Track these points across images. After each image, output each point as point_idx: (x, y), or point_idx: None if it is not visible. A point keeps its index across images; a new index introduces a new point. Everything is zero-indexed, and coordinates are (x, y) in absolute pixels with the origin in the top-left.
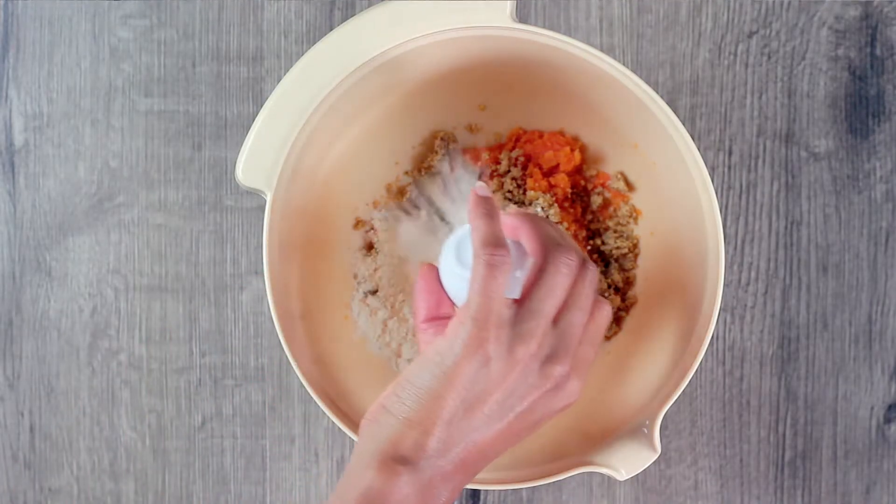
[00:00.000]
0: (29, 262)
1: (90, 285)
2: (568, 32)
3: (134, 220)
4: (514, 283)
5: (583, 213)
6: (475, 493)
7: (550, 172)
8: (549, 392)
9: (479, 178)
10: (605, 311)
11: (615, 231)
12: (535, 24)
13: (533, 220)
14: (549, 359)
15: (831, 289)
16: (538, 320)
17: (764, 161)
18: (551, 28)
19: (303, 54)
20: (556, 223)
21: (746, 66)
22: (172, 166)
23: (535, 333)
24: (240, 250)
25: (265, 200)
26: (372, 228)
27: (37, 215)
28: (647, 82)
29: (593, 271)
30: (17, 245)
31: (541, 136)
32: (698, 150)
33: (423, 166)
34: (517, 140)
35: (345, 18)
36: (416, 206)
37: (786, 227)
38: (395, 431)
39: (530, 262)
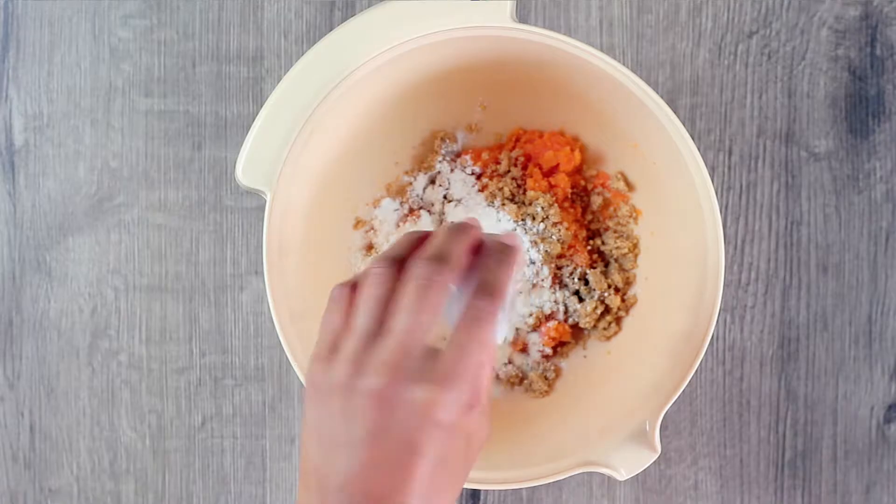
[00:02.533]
0: (29, 262)
1: (90, 285)
2: (568, 32)
3: (134, 220)
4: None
5: (583, 213)
6: (475, 494)
7: (550, 172)
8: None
9: (479, 176)
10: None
11: (615, 231)
12: (535, 24)
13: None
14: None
15: (831, 289)
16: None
17: (764, 161)
18: (551, 28)
19: (303, 54)
20: (557, 223)
21: (746, 66)
22: (172, 166)
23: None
24: (240, 250)
25: (265, 200)
26: (372, 228)
27: (37, 215)
28: (647, 82)
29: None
30: (17, 245)
31: (541, 136)
32: (698, 150)
33: (423, 166)
34: (517, 140)
35: (345, 18)
36: (416, 207)
37: (786, 227)
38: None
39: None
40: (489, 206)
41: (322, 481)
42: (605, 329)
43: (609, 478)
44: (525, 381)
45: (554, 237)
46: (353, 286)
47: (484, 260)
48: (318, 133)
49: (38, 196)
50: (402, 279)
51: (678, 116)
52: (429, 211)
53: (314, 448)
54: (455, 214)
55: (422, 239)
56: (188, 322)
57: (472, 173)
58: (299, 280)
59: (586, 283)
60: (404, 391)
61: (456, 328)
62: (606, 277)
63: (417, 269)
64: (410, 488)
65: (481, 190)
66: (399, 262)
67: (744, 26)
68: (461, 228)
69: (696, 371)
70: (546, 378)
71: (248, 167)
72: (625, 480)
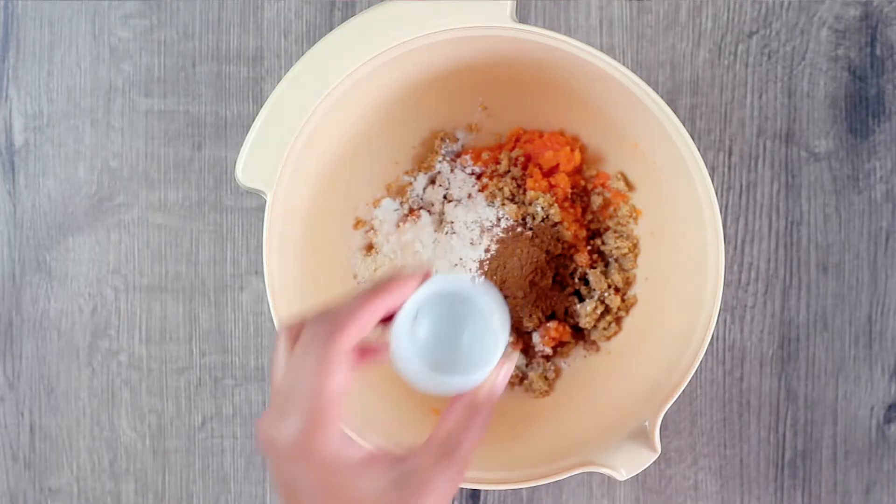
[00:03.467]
0: (29, 262)
1: (90, 285)
2: (568, 32)
3: (134, 220)
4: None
5: (583, 213)
6: (475, 493)
7: (550, 172)
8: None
9: (479, 176)
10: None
11: (615, 231)
12: (535, 24)
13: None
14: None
15: (831, 289)
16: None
17: (764, 161)
18: (551, 28)
19: (303, 54)
20: (557, 223)
21: (746, 66)
22: (172, 166)
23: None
24: (240, 250)
25: (265, 200)
26: (372, 228)
27: (37, 215)
28: (647, 82)
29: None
30: (17, 245)
31: (541, 136)
32: (698, 150)
33: (423, 166)
34: (517, 140)
35: (345, 18)
36: (416, 207)
37: (786, 227)
38: None
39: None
40: (489, 206)
41: None
42: (605, 329)
43: (609, 478)
44: (525, 381)
45: (554, 237)
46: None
47: (447, 418)
48: (318, 133)
49: (38, 196)
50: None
51: (678, 116)
52: (429, 211)
53: None
54: (455, 214)
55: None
56: (188, 322)
57: (472, 173)
58: (299, 280)
59: (586, 283)
60: None
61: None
62: (606, 277)
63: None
64: None
65: (481, 190)
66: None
67: (744, 26)
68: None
69: (696, 371)
70: (546, 378)
71: (248, 167)
72: (625, 480)
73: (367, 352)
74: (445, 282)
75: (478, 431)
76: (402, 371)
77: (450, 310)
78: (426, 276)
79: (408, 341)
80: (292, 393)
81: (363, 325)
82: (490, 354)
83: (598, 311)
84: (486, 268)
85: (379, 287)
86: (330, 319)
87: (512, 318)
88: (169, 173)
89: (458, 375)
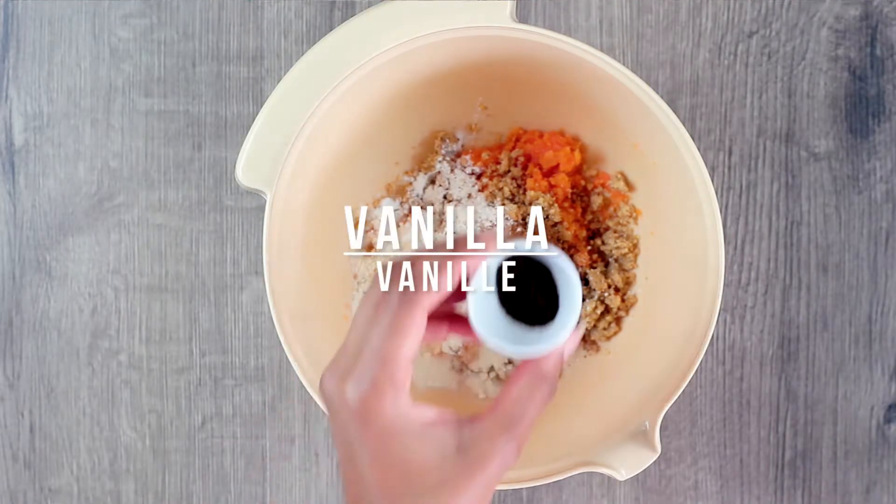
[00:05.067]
0: (29, 262)
1: (90, 285)
2: (568, 32)
3: (134, 220)
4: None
5: (583, 213)
6: None
7: (550, 172)
8: None
9: (479, 176)
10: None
11: (615, 231)
12: (535, 24)
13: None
14: None
15: (831, 289)
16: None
17: (764, 161)
18: (551, 28)
19: (303, 54)
20: (557, 223)
21: (746, 66)
22: (172, 166)
23: None
24: (240, 250)
25: (265, 200)
26: (372, 228)
27: (37, 215)
28: (647, 82)
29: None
30: (17, 245)
31: (541, 136)
32: (698, 150)
33: (423, 166)
34: (517, 140)
35: (345, 18)
36: (416, 207)
37: (786, 227)
38: None
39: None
40: (489, 206)
41: None
42: (605, 329)
43: (609, 478)
44: None
45: (554, 237)
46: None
47: (512, 387)
48: (319, 133)
49: (38, 196)
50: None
51: (678, 116)
52: (428, 211)
53: None
54: (455, 215)
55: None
56: (188, 322)
57: (472, 173)
58: (299, 280)
59: (586, 283)
60: None
61: (471, 451)
62: (606, 277)
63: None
64: None
65: (481, 190)
66: None
67: (744, 26)
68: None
69: (696, 371)
70: None
71: (248, 167)
72: (625, 480)
73: (442, 319)
74: (522, 246)
75: (543, 402)
76: (476, 329)
77: (527, 273)
78: (498, 241)
79: (485, 299)
80: (361, 353)
81: (442, 289)
82: (564, 321)
83: (598, 311)
84: None
85: (458, 246)
86: (411, 278)
87: None
88: (169, 173)
89: (532, 339)
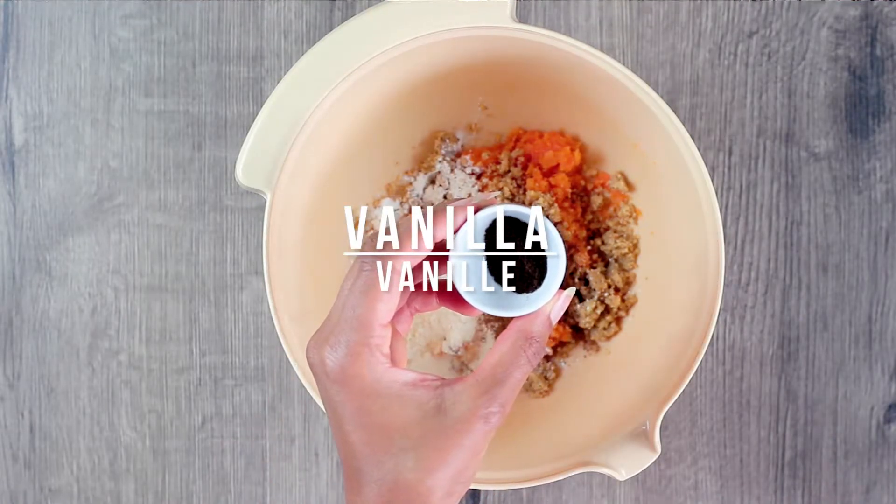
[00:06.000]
0: (29, 262)
1: (90, 285)
2: (568, 32)
3: (134, 220)
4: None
5: (583, 213)
6: (475, 493)
7: (550, 172)
8: None
9: (479, 176)
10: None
11: (615, 231)
12: (535, 24)
13: None
14: None
15: (831, 289)
16: None
17: (764, 161)
18: (551, 28)
19: (303, 54)
20: (557, 223)
21: (746, 66)
22: (172, 166)
23: None
24: (240, 250)
25: (265, 200)
26: (372, 228)
27: (37, 215)
28: (647, 82)
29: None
30: (17, 245)
31: (541, 136)
32: (698, 150)
33: (423, 166)
34: (517, 140)
35: (345, 18)
36: (416, 206)
37: (786, 227)
38: None
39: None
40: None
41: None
42: (605, 329)
43: (609, 478)
44: (525, 381)
45: None
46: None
47: (496, 350)
48: (318, 133)
49: (38, 196)
50: None
51: (678, 116)
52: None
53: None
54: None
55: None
56: (188, 322)
57: (472, 173)
58: (299, 280)
59: (586, 283)
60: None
61: (503, 340)
62: (606, 277)
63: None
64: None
65: (481, 190)
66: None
67: (744, 26)
68: (437, 211)
69: (696, 371)
70: (546, 378)
71: (248, 167)
72: (625, 480)
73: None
74: (507, 208)
75: (528, 364)
76: (460, 288)
77: (511, 233)
78: (481, 205)
79: (468, 258)
80: (338, 319)
81: (415, 251)
82: (549, 281)
83: (598, 311)
84: None
85: (435, 212)
86: (382, 246)
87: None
88: (169, 173)
89: (520, 304)
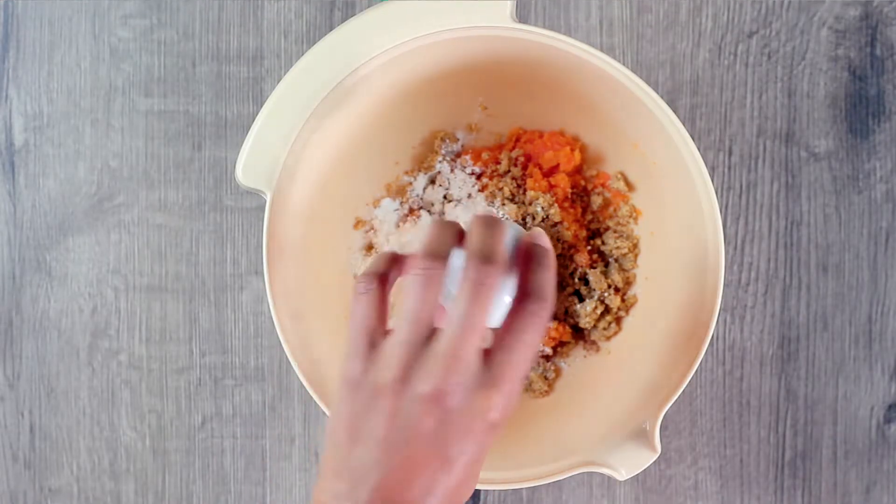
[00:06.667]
0: (29, 262)
1: (90, 285)
2: (568, 32)
3: (134, 220)
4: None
5: (583, 213)
6: (475, 494)
7: (550, 172)
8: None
9: (479, 176)
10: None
11: (615, 231)
12: (535, 24)
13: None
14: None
15: (831, 289)
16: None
17: (764, 161)
18: (551, 28)
19: (303, 54)
20: (557, 223)
21: (746, 66)
22: (172, 166)
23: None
24: (240, 250)
25: (265, 200)
26: (372, 228)
27: (37, 215)
28: (647, 82)
29: (482, 271)
30: (17, 245)
31: (541, 136)
32: (698, 150)
33: (423, 166)
34: (517, 140)
35: (345, 18)
36: (416, 207)
37: (786, 227)
38: None
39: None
40: (489, 206)
41: (355, 474)
42: (605, 329)
43: (609, 478)
44: (525, 381)
45: (554, 237)
46: (381, 278)
47: (531, 265)
48: (318, 133)
49: (38, 196)
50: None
51: (678, 116)
52: (429, 211)
53: (347, 442)
54: (455, 214)
55: (459, 233)
56: (188, 322)
57: (472, 173)
58: (299, 280)
59: (586, 283)
60: (461, 397)
61: (507, 330)
62: (606, 277)
63: (470, 272)
64: (446, 489)
65: (481, 190)
66: (442, 258)
67: (744, 26)
68: (496, 224)
69: (696, 371)
70: (546, 378)
71: (248, 167)
72: (625, 480)
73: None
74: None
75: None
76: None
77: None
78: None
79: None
80: (354, 336)
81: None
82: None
83: (598, 311)
84: None
85: (500, 227)
86: (496, 270)
87: None
88: (169, 173)
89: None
